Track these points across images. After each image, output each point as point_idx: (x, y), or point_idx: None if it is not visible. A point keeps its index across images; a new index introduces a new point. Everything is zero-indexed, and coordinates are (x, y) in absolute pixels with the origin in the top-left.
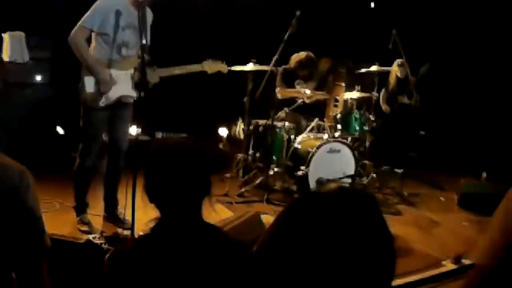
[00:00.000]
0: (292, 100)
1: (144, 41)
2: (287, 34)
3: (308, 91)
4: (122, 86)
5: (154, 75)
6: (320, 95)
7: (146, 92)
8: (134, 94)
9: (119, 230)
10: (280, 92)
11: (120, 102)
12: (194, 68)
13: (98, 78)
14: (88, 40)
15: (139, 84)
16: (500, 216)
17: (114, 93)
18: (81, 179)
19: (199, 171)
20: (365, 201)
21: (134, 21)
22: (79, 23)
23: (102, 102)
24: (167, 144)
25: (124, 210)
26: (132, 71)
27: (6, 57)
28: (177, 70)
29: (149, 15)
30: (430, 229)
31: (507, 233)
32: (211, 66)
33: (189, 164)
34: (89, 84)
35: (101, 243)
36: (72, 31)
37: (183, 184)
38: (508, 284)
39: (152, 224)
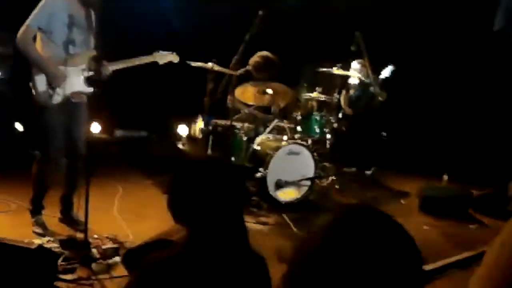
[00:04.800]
0: None
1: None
2: (249, 34)
3: (270, 91)
4: (74, 81)
5: (105, 68)
6: (281, 98)
7: (100, 87)
8: (87, 89)
9: (73, 234)
10: (232, 100)
11: (73, 103)
12: (145, 59)
13: (48, 73)
14: (34, 38)
15: (92, 79)
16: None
17: (66, 89)
18: (41, 182)
19: (239, 187)
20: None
21: (81, 19)
22: (25, 22)
23: (55, 100)
24: (201, 160)
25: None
26: (83, 66)
27: None
28: (129, 63)
29: (94, 17)
30: None
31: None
32: (161, 57)
33: (229, 180)
34: (40, 82)
35: (54, 247)
36: (19, 32)
37: (222, 200)
38: None
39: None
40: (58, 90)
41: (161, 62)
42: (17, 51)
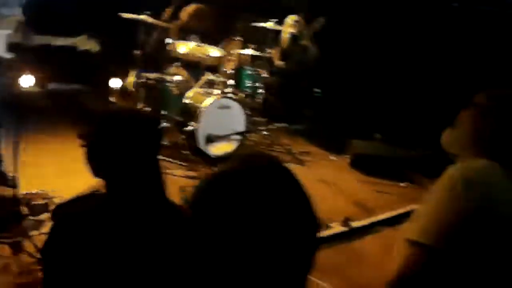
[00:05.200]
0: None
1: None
2: None
3: (199, 46)
4: None
5: (30, 38)
6: (213, 51)
7: (20, 55)
8: (6, 55)
9: (3, 191)
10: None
11: None
12: (67, 41)
13: None
14: None
15: (14, 46)
16: (448, 195)
17: None
18: None
19: (155, 138)
20: (281, 172)
21: None
22: None
23: None
24: (119, 112)
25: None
26: (8, 31)
27: None
28: (52, 40)
29: None
30: (321, 189)
31: (459, 214)
32: (82, 43)
33: (146, 130)
34: None
35: None
36: None
37: (139, 154)
38: (459, 266)
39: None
40: None
41: (80, 47)
42: None
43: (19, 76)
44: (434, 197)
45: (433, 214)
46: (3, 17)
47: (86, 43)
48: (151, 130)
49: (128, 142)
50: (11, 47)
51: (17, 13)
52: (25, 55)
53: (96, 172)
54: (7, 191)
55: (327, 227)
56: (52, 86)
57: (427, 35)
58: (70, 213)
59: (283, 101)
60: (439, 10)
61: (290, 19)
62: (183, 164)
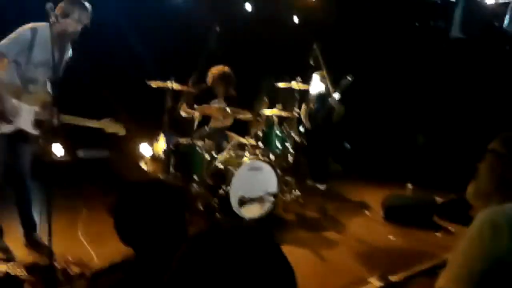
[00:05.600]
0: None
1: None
2: (206, 50)
3: (228, 109)
4: (24, 120)
5: (56, 117)
6: (241, 114)
7: (46, 132)
8: (32, 131)
9: (38, 259)
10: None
11: (21, 134)
12: (93, 123)
13: (3, 105)
14: None
15: (40, 123)
16: (475, 242)
17: (14, 124)
18: None
19: (178, 209)
20: (261, 236)
21: (49, 60)
22: None
23: (3, 130)
24: (144, 183)
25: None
26: (36, 108)
27: None
28: (80, 121)
29: (68, 51)
30: (355, 244)
31: (486, 260)
32: (108, 126)
33: (169, 201)
34: None
35: (19, 273)
36: None
37: (164, 223)
38: None
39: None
40: (7, 122)
41: (107, 130)
42: None
43: (49, 147)
44: (464, 244)
45: (462, 261)
46: (30, 94)
47: (111, 126)
48: (176, 199)
49: (153, 212)
50: (37, 123)
51: (43, 91)
52: (52, 130)
53: (125, 241)
54: (43, 259)
55: (366, 283)
56: (81, 153)
57: (453, 87)
58: (105, 283)
59: (313, 159)
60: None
61: (317, 77)
62: None
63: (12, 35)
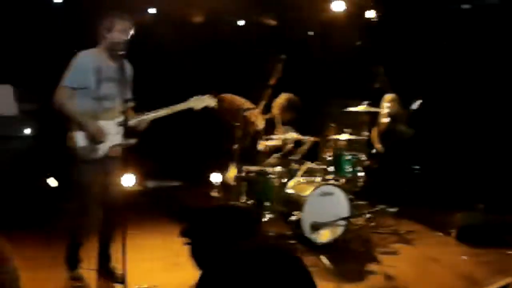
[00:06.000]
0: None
1: (125, 93)
2: (272, 78)
3: (294, 135)
4: (112, 135)
5: (142, 120)
6: (311, 139)
7: (138, 138)
8: (124, 142)
9: (113, 286)
10: (263, 145)
11: (110, 157)
12: (181, 106)
13: (89, 131)
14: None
15: (129, 131)
16: None
17: (106, 143)
18: (75, 234)
19: (255, 230)
20: (288, 258)
21: (114, 74)
22: (60, 83)
23: (96, 154)
24: (219, 208)
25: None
26: (119, 119)
27: None
28: (164, 111)
29: (129, 68)
30: (428, 266)
31: None
32: (197, 102)
33: (244, 225)
34: (80, 138)
35: None
36: (55, 94)
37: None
38: None
39: None
40: (99, 145)
41: (196, 107)
42: (43, 108)
43: (121, 176)
44: None
45: None
46: (108, 110)
47: (200, 102)
48: (250, 224)
49: (229, 236)
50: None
51: (119, 103)
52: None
53: (201, 266)
54: (117, 287)
55: None
56: (151, 184)
57: None
58: None
59: (383, 182)
60: None
61: (386, 100)
62: None
63: (69, 68)
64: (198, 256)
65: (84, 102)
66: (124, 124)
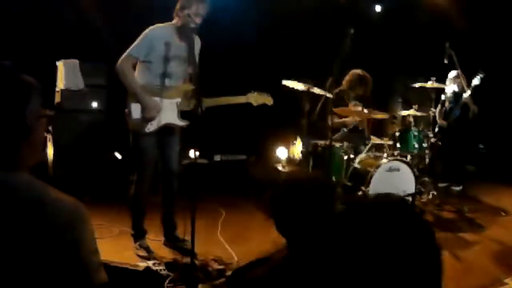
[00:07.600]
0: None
1: (191, 71)
2: (341, 53)
3: (365, 111)
4: (167, 114)
5: (200, 104)
6: (379, 115)
7: (192, 121)
8: (179, 123)
9: (179, 257)
10: (333, 119)
11: (167, 128)
12: (239, 99)
13: (144, 105)
14: (134, 67)
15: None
16: None
17: (159, 121)
18: (138, 205)
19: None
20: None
21: (181, 52)
22: (127, 51)
23: (148, 129)
24: (303, 177)
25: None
26: (178, 99)
27: (61, 85)
28: (223, 101)
29: (197, 43)
30: (491, 245)
31: None
32: (256, 98)
33: (324, 194)
34: (135, 110)
35: (160, 270)
36: (120, 59)
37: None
38: None
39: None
40: (152, 120)
41: (255, 103)
42: (111, 82)
43: (188, 149)
44: None
45: None
46: (168, 88)
47: (258, 98)
48: (330, 194)
49: (311, 205)
50: (182, 115)
51: (181, 83)
52: (194, 125)
53: (283, 233)
54: (183, 258)
55: (502, 283)
56: (218, 157)
57: None
58: (247, 279)
59: (448, 159)
60: None
61: (451, 75)
62: None
63: (139, 38)
64: (279, 218)
65: (147, 76)
66: (196, 109)
